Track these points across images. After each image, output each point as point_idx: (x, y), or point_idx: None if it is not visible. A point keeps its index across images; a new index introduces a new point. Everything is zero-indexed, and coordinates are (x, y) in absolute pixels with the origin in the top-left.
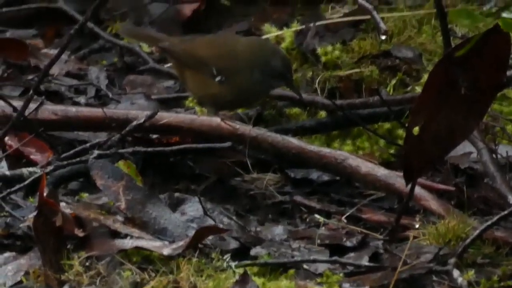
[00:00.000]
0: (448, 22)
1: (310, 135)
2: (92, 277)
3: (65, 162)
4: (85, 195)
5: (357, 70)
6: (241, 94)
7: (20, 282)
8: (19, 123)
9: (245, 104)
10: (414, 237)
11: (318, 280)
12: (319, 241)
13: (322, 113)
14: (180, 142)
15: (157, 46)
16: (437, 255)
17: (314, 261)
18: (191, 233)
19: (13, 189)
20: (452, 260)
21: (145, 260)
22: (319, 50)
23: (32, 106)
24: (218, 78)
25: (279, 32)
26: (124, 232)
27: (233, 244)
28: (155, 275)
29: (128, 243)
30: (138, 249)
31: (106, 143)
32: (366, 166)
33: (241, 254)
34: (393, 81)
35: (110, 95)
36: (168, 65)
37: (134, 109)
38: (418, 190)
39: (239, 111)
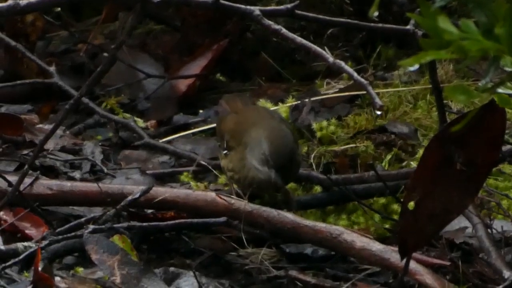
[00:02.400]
0: (444, 97)
1: (305, 210)
2: None
3: (60, 237)
4: (80, 269)
5: (352, 145)
6: (237, 171)
7: None
8: (14, 198)
9: (247, 186)
10: None
11: None
12: None
13: (318, 188)
14: (175, 217)
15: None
16: None
17: None
18: None
19: (8, 263)
20: None
21: None
22: (315, 126)
23: (27, 181)
24: (225, 152)
25: (275, 108)
26: None
27: None
28: None
29: None
30: None
31: (101, 218)
32: (361, 241)
33: None
34: (388, 156)
35: (105, 170)
36: (163, 140)
37: (129, 184)
38: (413, 264)
39: (235, 185)
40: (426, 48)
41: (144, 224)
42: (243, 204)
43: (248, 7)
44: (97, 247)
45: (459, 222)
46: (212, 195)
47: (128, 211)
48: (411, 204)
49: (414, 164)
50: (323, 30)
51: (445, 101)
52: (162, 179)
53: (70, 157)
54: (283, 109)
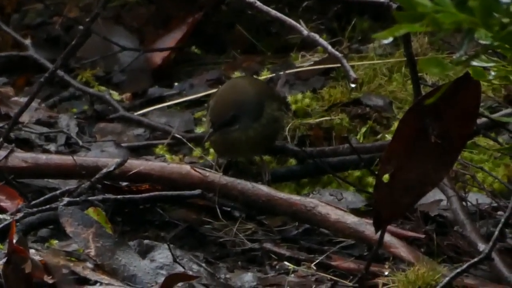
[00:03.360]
0: (418, 70)
1: (280, 183)
2: None
3: (35, 209)
4: (54, 242)
5: (327, 118)
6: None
7: None
8: None
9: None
10: (384, 284)
11: None
12: None
13: (292, 161)
14: (150, 189)
15: None
16: None
17: None
18: (161, 280)
19: None
20: None
21: None
22: (289, 98)
23: (2, 153)
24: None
25: None
26: (94, 279)
27: None
28: None
29: None
30: None
31: (76, 190)
32: (335, 214)
33: None
34: (363, 129)
35: (80, 143)
36: (138, 113)
37: (104, 156)
38: (387, 237)
39: (209, 158)
40: (400, 21)
41: (119, 196)
42: (218, 177)
43: None
44: (71, 220)
45: (434, 194)
46: (186, 167)
47: (102, 183)
48: (386, 177)
49: (389, 137)
50: (298, 2)
51: (420, 74)
52: (137, 151)
53: (45, 129)
54: None
